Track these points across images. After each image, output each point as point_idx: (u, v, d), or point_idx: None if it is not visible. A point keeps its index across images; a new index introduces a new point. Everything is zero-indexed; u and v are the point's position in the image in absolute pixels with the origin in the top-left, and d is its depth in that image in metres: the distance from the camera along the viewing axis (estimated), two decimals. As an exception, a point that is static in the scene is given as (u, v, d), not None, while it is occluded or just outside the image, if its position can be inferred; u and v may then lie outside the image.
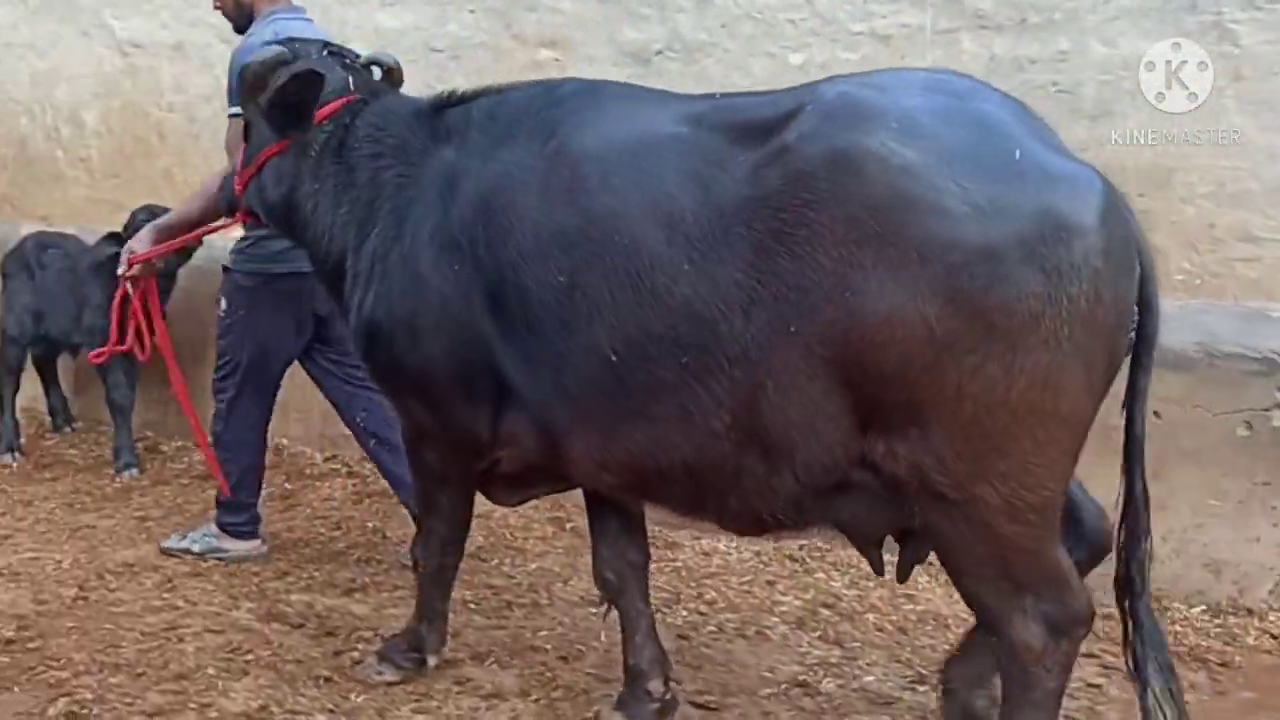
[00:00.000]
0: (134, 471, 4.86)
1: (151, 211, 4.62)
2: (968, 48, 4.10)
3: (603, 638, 3.34)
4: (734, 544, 4.25)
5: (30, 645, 3.33)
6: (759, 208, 2.22)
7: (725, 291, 2.25)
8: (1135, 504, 2.31)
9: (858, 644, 3.46)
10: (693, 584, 3.93)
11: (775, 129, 2.27)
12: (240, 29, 3.90)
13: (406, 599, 3.53)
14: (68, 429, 5.49)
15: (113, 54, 5.87)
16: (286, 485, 4.90)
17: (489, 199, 2.61)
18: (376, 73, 3.19)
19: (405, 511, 4.04)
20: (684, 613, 3.69)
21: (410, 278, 2.72)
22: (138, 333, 3.82)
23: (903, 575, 2.60)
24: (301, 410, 5.07)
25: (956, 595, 2.51)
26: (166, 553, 4.03)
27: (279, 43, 3.16)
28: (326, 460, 5.24)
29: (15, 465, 5.09)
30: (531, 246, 2.51)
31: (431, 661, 3.13)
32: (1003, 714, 2.34)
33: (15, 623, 3.47)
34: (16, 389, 5.28)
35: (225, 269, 3.92)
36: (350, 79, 3.04)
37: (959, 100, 2.22)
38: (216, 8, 4.01)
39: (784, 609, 3.73)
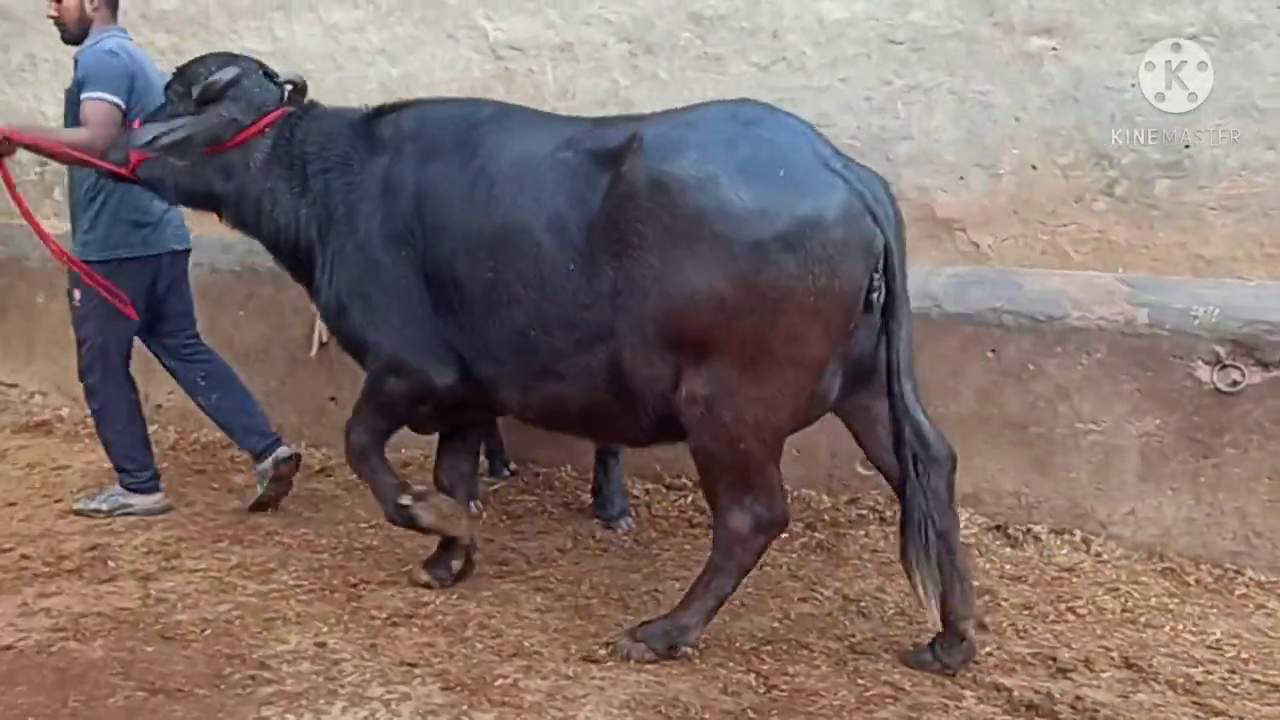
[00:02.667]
0: (626, 522, 4.28)
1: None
2: None
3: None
4: None
5: None
6: (609, 221, 3.03)
7: (598, 284, 3.06)
8: (899, 419, 3.08)
9: None
10: None
11: (618, 157, 3.04)
12: (74, 41, 4.42)
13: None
14: (506, 472, 4.87)
15: (484, 58, 5.37)
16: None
17: (423, 202, 3.36)
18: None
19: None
20: None
21: (366, 263, 3.44)
22: None
23: None
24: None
25: None
26: (79, 514, 4.37)
27: (230, 60, 3.80)
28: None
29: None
30: (462, 246, 3.28)
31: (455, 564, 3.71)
32: (702, 573, 3.18)
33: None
34: None
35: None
36: (282, 95, 3.73)
37: (746, 128, 3.00)
38: (51, 16, 4.45)
39: None
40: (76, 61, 4.30)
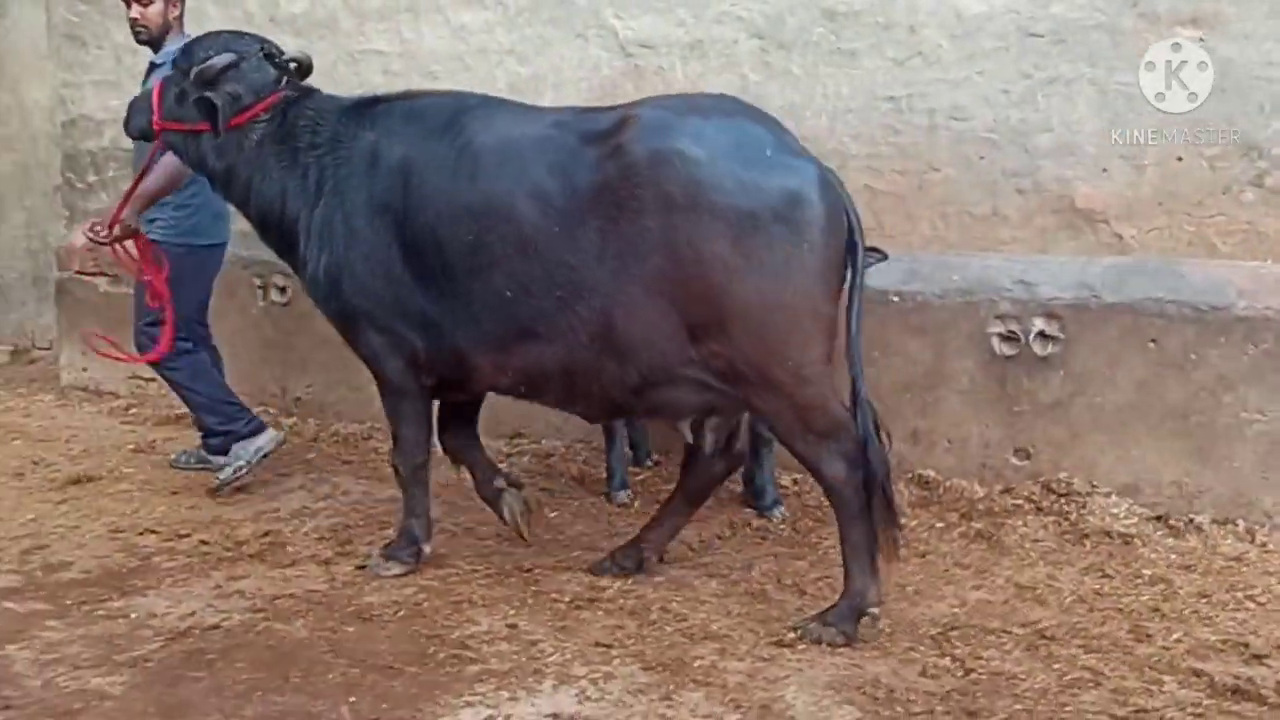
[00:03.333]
0: (779, 511, 4.33)
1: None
2: None
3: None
4: None
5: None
6: (602, 188, 3.24)
7: (583, 247, 3.26)
8: (856, 379, 3.25)
9: None
10: None
11: (611, 134, 3.28)
12: (153, 45, 4.71)
13: None
14: (649, 462, 4.95)
15: (613, 56, 5.44)
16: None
17: (409, 175, 3.52)
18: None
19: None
20: None
21: (350, 233, 3.60)
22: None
23: (696, 437, 3.64)
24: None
25: None
26: (220, 489, 4.58)
27: (232, 42, 3.88)
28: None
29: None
30: (445, 213, 3.45)
31: (426, 550, 3.83)
32: (842, 538, 3.32)
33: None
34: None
35: (154, 241, 4.51)
36: (281, 77, 3.84)
37: (729, 118, 3.32)
38: (133, 19, 4.68)
39: None
40: (155, 66, 4.53)
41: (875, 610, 3.24)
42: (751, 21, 5.18)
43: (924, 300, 4.44)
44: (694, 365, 3.24)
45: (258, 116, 3.73)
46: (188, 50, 3.93)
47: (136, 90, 4.65)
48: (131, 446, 5.28)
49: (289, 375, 5.78)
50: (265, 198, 3.77)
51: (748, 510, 4.36)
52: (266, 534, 4.13)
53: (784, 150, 3.25)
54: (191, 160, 3.95)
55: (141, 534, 4.13)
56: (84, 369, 6.08)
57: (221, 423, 4.68)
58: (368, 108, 3.71)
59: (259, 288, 5.72)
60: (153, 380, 6.13)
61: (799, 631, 3.28)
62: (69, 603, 3.51)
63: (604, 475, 4.68)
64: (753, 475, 4.37)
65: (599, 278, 3.24)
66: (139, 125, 4.02)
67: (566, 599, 3.54)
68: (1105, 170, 4.61)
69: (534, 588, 3.64)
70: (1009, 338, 4.31)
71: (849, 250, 3.24)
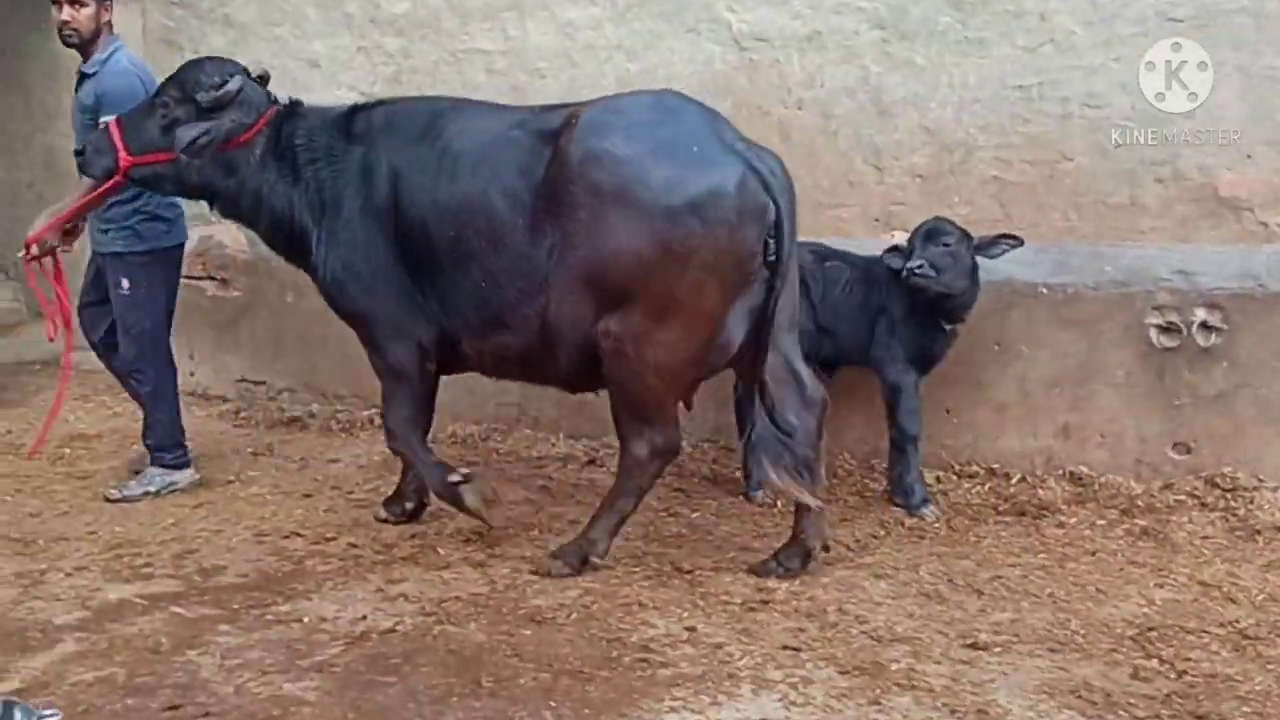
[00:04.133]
0: (930, 510, 4.25)
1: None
2: None
3: None
4: None
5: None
6: (547, 186, 3.55)
7: (538, 240, 3.57)
8: (761, 361, 3.57)
9: None
10: None
11: (558, 134, 3.58)
12: (82, 48, 4.56)
13: None
14: None
15: (726, 50, 5.36)
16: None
17: (397, 181, 3.84)
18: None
19: None
20: None
21: (352, 240, 3.92)
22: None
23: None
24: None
25: None
26: (116, 501, 4.49)
27: (224, 66, 4.12)
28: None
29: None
30: (430, 213, 3.77)
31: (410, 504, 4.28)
32: (609, 494, 3.80)
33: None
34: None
35: (114, 254, 4.55)
36: (269, 95, 4.14)
37: (666, 114, 3.59)
38: (63, 22, 4.48)
39: None
40: (86, 76, 4.51)
41: (598, 560, 3.69)
42: (873, 11, 5.08)
43: (1076, 292, 4.33)
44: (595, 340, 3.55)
45: (261, 132, 3.99)
46: (177, 79, 4.05)
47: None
48: (250, 450, 5.25)
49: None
50: (276, 210, 4.03)
51: (896, 509, 4.27)
52: (413, 536, 4.09)
53: (713, 147, 3.47)
54: (189, 183, 4.07)
55: (287, 537, 4.09)
56: (191, 373, 6.05)
57: (159, 444, 4.65)
58: (350, 121, 3.99)
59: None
60: (261, 383, 6.15)
61: (534, 567, 3.74)
62: (236, 607, 3.47)
63: (737, 474, 4.61)
64: (900, 474, 4.29)
65: (548, 269, 3.56)
66: (104, 166, 4.08)
67: (738, 601, 3.46)
68: (1250, 157, 4.49)
69: (700, 590, 3.56)
70: (1168, 329, 4.20)
71: (776, 240, 3.45)
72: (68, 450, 5.19)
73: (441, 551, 3.93)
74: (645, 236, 3.41)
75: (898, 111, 5.04)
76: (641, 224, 3.41)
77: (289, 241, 4.08)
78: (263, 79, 4.16)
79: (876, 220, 5.13)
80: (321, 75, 6.28)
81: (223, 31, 6.58)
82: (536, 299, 3.60)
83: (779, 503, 4.34)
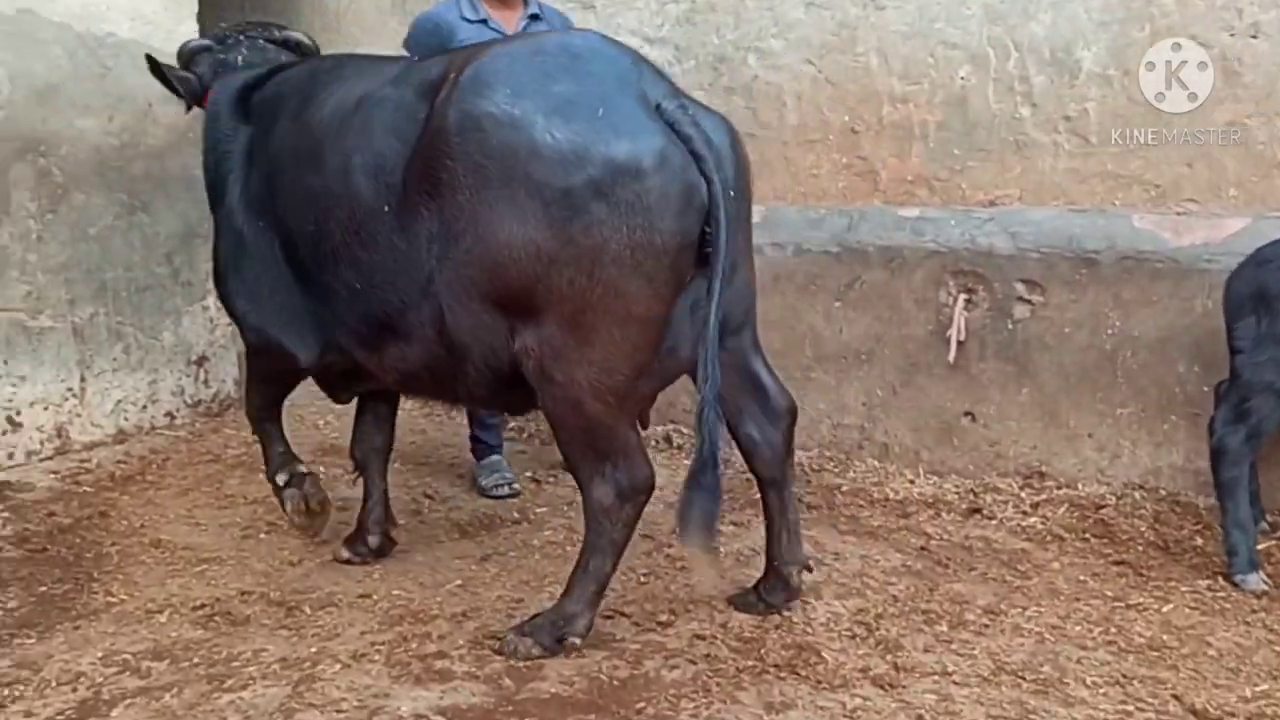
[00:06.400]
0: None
1: None
2: None
3: None
4: None
5: None
6: (421, 159, 2.74)
7: (412, 230, 2.78)
8: (706, 373, 2.66)
9: None
10: None
11: (436, 89, 2.79)
12: None
13: None
14: (1264, 523, 3.56)
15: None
16: None
17: (269, 165, 3.21)
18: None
19: None
20: None
21: (234, 233, 3.31)
22: None
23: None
24: None
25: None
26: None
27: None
28: None
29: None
30: (291, 202, 3.11)
31: (373, 541, 3.59)
32: (581, 552, 2.91)
33: None
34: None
35: None
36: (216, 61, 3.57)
37: (571, 62, 2.69)
38: None
39: None
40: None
41: (577, 640, 2.88)
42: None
43: None
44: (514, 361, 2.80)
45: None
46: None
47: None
48: (530, 474, 4.32)
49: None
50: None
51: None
52: (778, 626, 3.03)
53: (626, 108, 2.62)
54: None
55: (610, 618, 3.08)
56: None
57: None
58: (250, 93, 3.38)
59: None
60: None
61: (501, 641, 2.92)
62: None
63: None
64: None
65: (431, 266, 2.77)
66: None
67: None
68: None
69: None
70: None
71: (710, 235, 2.64)
72: (321, 468, 4.42)
73: (827, 656, 2.85)
74: (539, 225, 2.58)
75: None
76: (534, 209, 2.58)
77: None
78: (287, 42, 3.64)
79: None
80: (596, 17, 5.29)
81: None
82: (424, 304, 2.83)
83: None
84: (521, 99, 2.61)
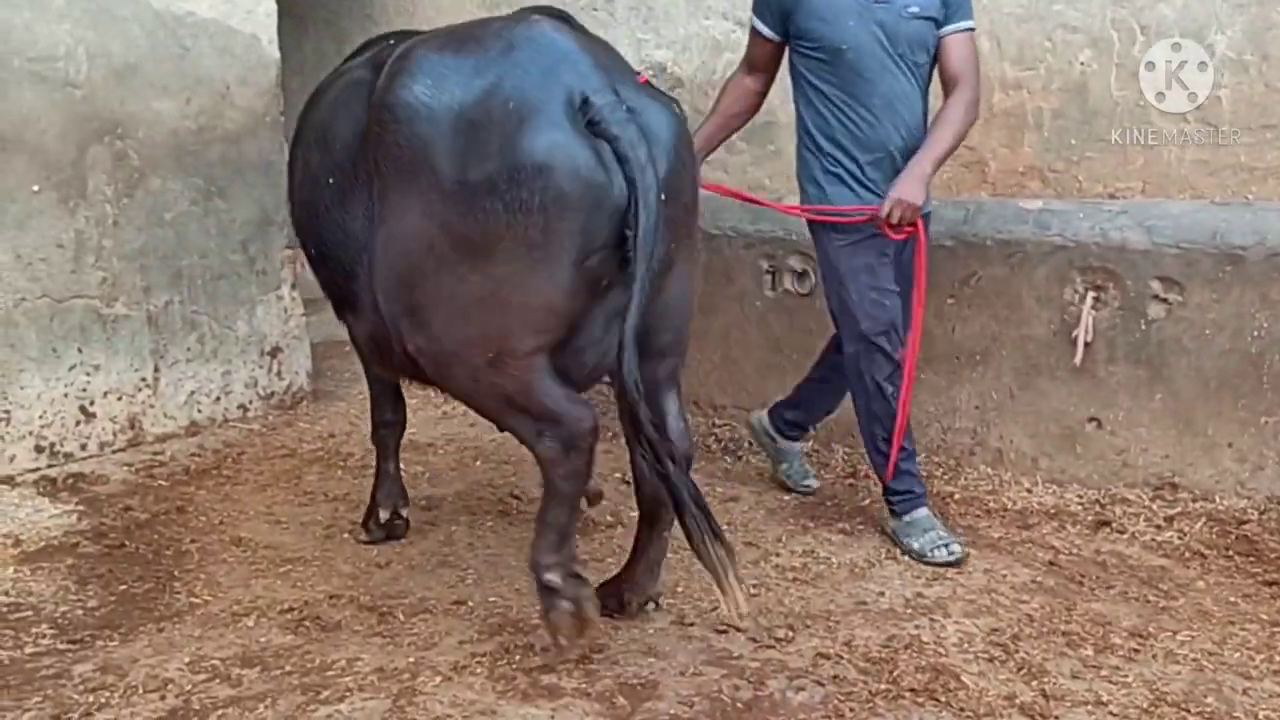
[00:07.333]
0: None
1: None
2: None
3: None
4: None
5: None
6: (362, 140, 2.77)
7: (350, 206, 2.82)
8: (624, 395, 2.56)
9: None
10: None
11: (378, 75, 2.79)
12: None
13: None
14: None
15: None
16: None
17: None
18: None
19: None
20: None
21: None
22: None
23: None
24: None
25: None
26: None
27: None
28: None
29: None
30: (297, 182, 3.21)
31: (383, 515, 3.58)
32: (540, 508, 2.77)
33: None
34: None
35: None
36: None
37: (503, 53, 2.59)
38: None
39: None
40: None
41: (557, 581, 2.70)
42: None
43: None
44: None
45: None
46: None
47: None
48: (621, 475, 4.13)
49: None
50: None
51: None
52: (908, 646, 2.81)
53: (540, 101, 2.51)
54: None
55: (724, 632, 2.87)
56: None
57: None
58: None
59: (767, 273, 4.44)
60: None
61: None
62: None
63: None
64: None
65: (366, 243, 2.78)
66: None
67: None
68: None
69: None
70: None
71: (629, 232, 2.50)
72: (401, 466, 4.25)
73: (967, 680, 2.62)
74: (435, 218, 2.55)
75: None
76: (433, 203, 2.55)
77: None
78: None
79: None
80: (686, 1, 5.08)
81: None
82: (365, 280, 2.82)
83: None
84: (441, 91, 2.58)
